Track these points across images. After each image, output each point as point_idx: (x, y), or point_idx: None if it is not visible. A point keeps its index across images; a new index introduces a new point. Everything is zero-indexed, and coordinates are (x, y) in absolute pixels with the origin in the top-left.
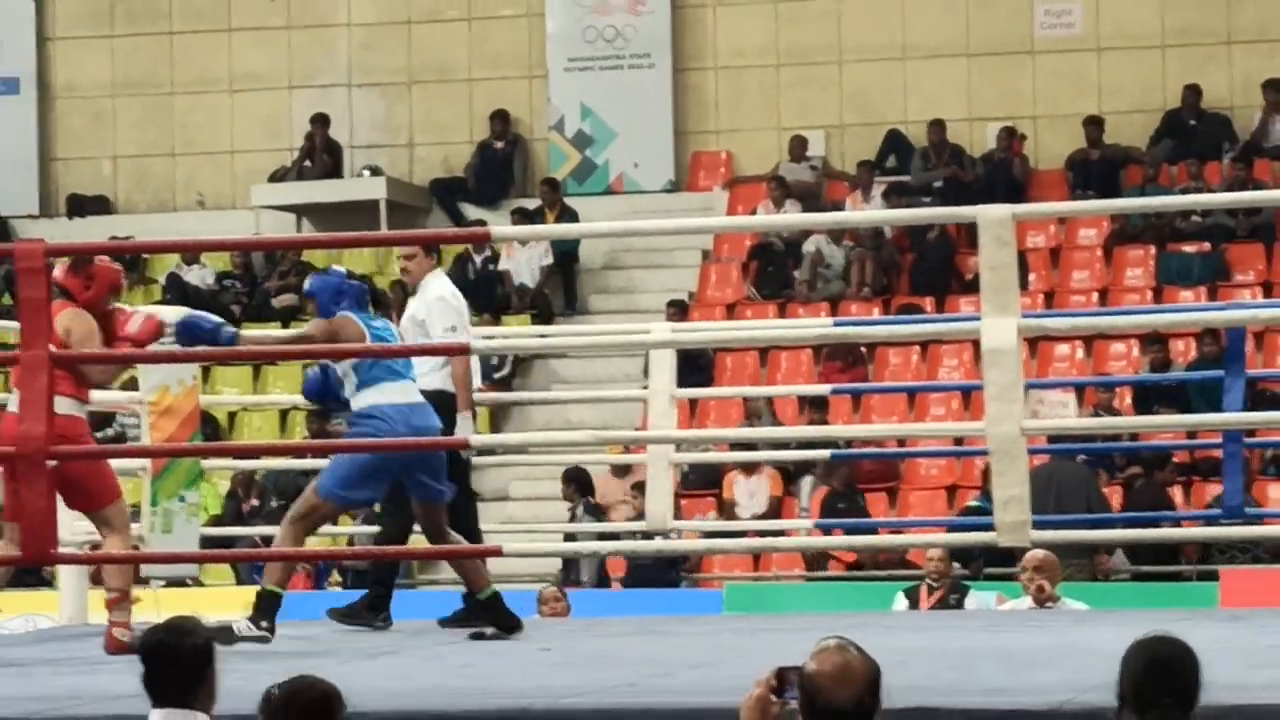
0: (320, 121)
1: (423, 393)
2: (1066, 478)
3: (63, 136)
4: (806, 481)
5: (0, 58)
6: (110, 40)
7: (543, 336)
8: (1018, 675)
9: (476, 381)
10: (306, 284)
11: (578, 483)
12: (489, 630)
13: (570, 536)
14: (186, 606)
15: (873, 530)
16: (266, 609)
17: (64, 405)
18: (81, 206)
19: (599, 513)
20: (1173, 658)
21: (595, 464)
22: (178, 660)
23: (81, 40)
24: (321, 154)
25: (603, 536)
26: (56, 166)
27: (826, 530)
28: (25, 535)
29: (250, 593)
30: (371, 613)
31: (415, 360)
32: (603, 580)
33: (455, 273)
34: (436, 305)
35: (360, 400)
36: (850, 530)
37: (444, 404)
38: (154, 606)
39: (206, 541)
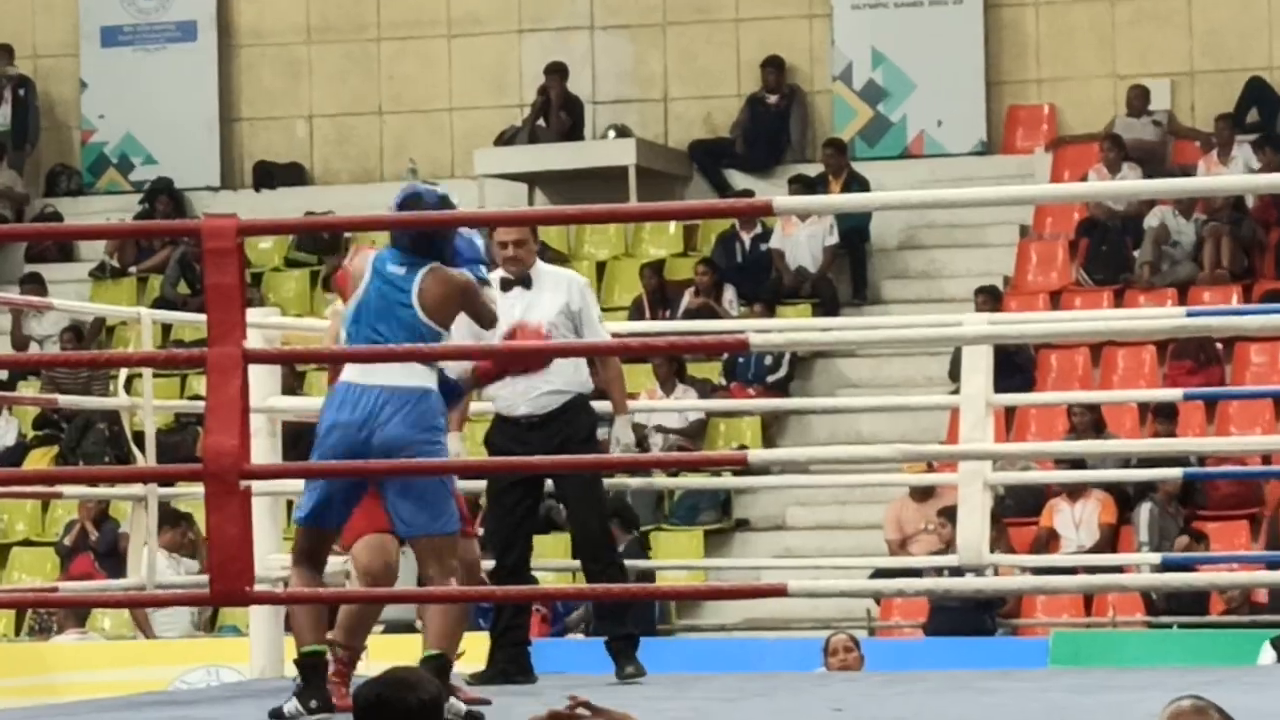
0: (556, 72)
1: (559, 397)
2: None
3: (248, 93)
4: (1145, 508)
5: None
6: None
7: (826, 330)
8: None
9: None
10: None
11: (622, 519)
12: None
13: (881, 572)
14: (408, 656)
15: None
16: (311, 677)
17: None
18: (271, 177)
19: (643, 551)
20: None
21: (893, 485)
22: None
23: None
24: (558, 112)
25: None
26: (241, 129)
27: (1179, 565)
28: (214, 570)
29: (482, 640)
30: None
31: (545, 369)
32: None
33: (719, 253)
34: (589, 293)
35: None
36: (1200, 566)
37: (583, 408)
38: (369, 656)
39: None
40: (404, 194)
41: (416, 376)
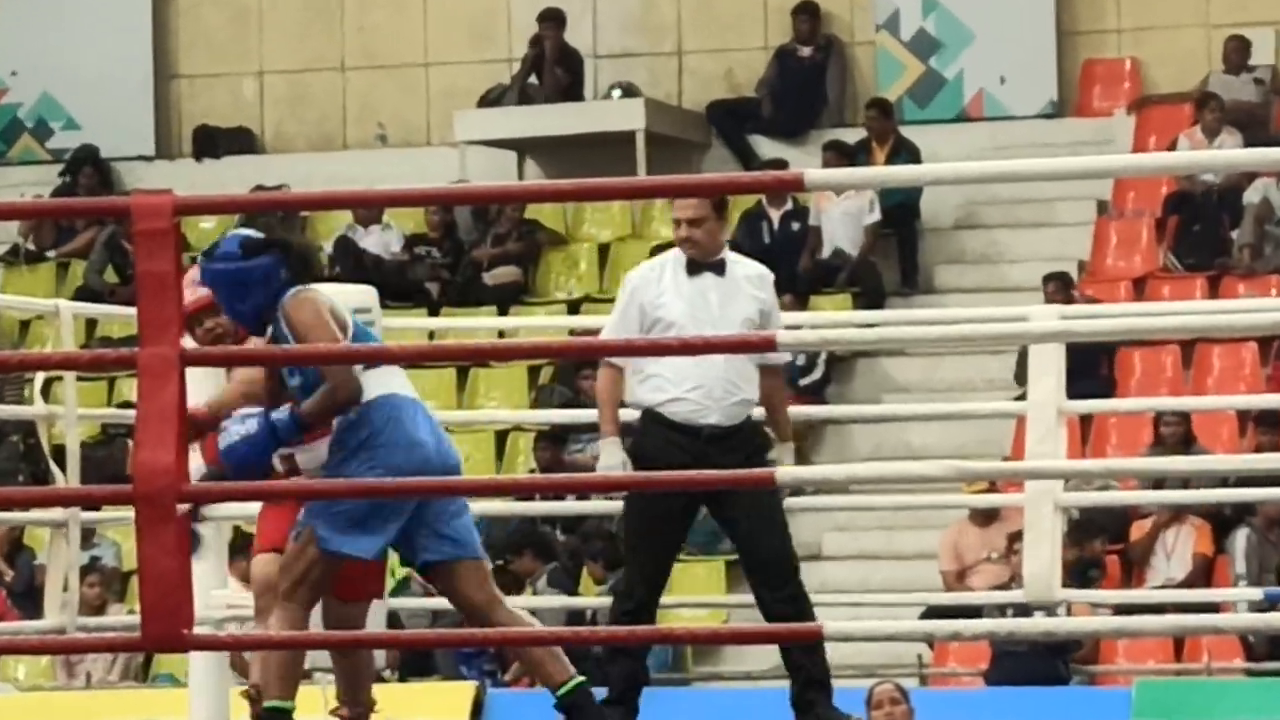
0: (552, 21)
1: (747, 409)
2: None
3: (188, 45)
4: (1241, 535)
5: None
6: None
7: (869, 325)
8: None
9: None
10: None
11: (536, 547)
12: None
13: (934, 611)
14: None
15: None
16: None
17: None
18: (214, 144)
19: (568, 580)
20: None
21: (948, 507)
22: None
23: None
24: (553, 67)
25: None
26: (179, 88)
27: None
28: (146, 610)
29: (464, 692)
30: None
31: (737, 372)
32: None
33: (742, 234)
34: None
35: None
36: None
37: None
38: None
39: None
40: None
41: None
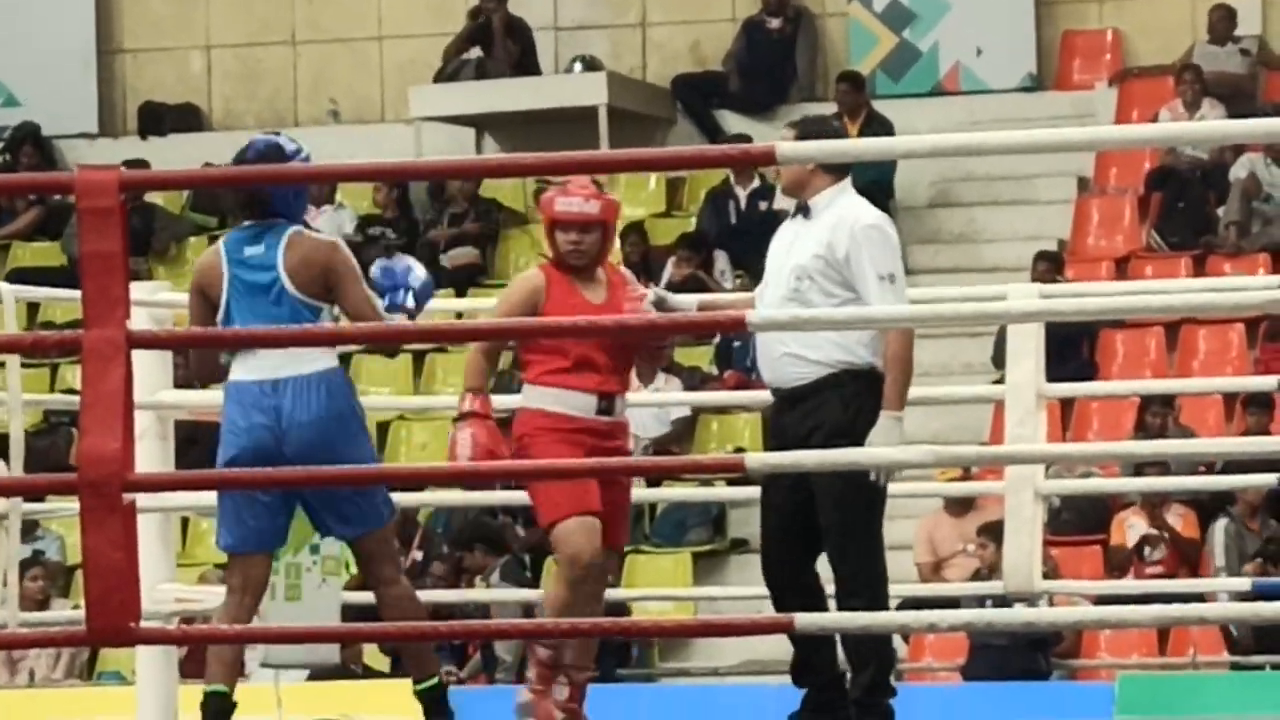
0: None
1: (807, 369)
2: None
3: (132, 18)
4: (1220, 526)
5: None
6: None
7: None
8: None
9: None
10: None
11: (486, 542)
12: None
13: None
14: (328, 709)
15: None
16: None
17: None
18: (160, 121)
19: (521, 573)
20: None
21: (923, 495)
22: None
23: None
24: (504, 40)
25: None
26: (123, 62)
27: (1272, 593)
28: (92, 603)
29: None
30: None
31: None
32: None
33: (709, 214)
34: (876, 239)
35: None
36: None
37: (843, 386)
38: (278, 708)
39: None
40: (253, 151)
41: (313, 360)
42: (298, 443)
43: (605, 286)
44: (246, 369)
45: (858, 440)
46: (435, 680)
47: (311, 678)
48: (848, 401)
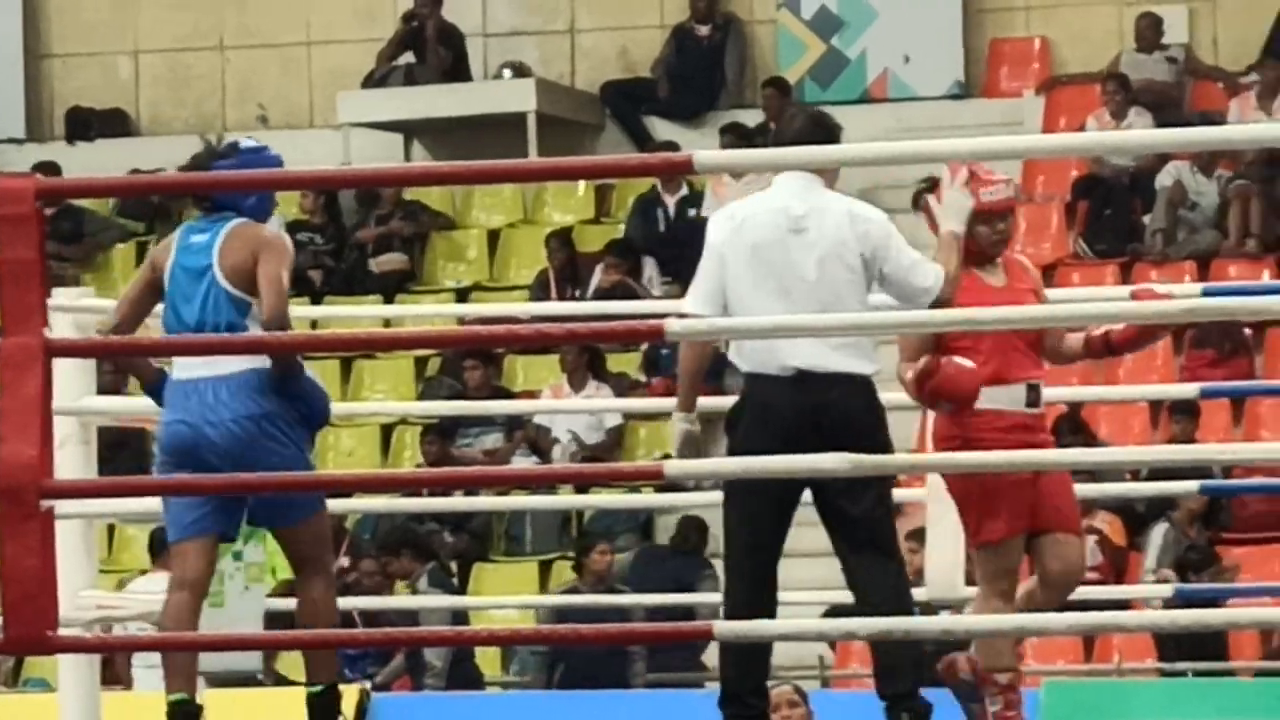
0: None
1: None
2: None
3: (60, 23)
4: (1158, 531)
5: None
6: None
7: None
8: None
9: None
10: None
11: (413, 547)
12: None
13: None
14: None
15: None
16: None
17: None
18: (87, 126)
19: (449, 583)
20: None
21: None
22: None
23: None
24: (435, 46)
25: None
26: (51, 67)
27: (1198, 600)
28: (8, 611)
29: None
30: None
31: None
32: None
33: (637, 221)
34: (888, 228)
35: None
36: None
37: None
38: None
39: (275, 620)
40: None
41: (232, 361)
42: (213, 441)
43: (1004, 271)
44: (177, 365)
45: (882, 443)
46: (326, 687)
47: (220, 684)
48: (856, 403)
